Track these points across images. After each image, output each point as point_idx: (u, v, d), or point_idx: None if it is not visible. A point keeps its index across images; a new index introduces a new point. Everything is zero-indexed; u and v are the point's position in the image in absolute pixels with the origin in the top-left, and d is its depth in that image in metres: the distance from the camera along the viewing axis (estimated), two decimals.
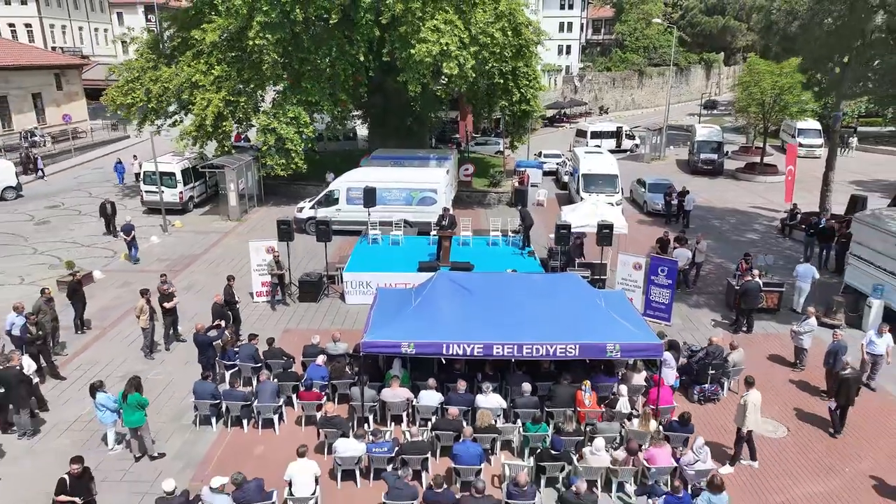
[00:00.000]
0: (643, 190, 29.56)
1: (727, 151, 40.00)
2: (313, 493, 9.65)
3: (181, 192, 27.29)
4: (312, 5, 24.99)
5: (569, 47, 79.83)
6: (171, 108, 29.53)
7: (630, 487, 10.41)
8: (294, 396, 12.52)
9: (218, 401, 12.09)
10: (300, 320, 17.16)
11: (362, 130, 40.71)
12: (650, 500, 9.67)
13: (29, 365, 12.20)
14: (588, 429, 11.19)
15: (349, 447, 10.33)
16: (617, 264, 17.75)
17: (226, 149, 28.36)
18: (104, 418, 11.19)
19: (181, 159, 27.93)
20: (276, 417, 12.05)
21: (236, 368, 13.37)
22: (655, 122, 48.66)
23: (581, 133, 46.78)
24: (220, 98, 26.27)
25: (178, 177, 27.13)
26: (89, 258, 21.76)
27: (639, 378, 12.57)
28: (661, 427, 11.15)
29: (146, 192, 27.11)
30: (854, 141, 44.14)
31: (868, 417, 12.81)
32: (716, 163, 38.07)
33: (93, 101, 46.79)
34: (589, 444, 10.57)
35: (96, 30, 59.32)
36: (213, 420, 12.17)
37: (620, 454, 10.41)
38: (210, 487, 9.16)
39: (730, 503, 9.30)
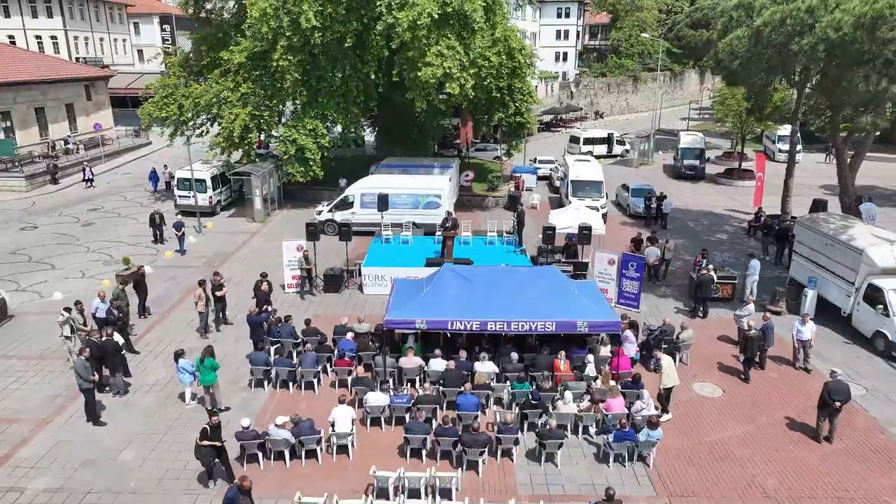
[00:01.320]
0: (626, 194, 32.67)
1: (708, 157, 43.06)
2: (351, 431, 12.74)
3: (210, 197, 30.36)
4: (330, 30, 28.03)
5: (565, 54, 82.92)
6: (199, 120, 32.55)
7: (592, 430, 13.49)
8: (329, 365, 15.62)
9: (269, 367, 15.20)
10: (325, 307, 20.24)
11: (369, 136, 43.73)
12: (606, 437, 12.77)
13: (119, 339, 15.28)
14: (561, 388, 14.24)
15: (377, 398, 13.44)
16: (594, 260, 20.83)
17: (251, 158, 31.43)
18: (184, 379, 14.29)
19: (210, 167, 31.00)
20: (315, 381, 15.16)
21: (279, 343, 16.46)
22: (644, 129, 51.64)
23: (574, 139, 49.75)
24: (246, 113, 29.33)
25: (209, 183, 30.19)
26: (136, 255, 24.75)
27: (605, 350, 15.67)
28: (618, 385, 14.22)
29: (179, 196, 30.24)
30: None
31: (788, 383, 15.91)
32: (698, 168, 41.12)
33: (116, 109, 49.94)
34: (561, 397, 13.65)
35: (115, 40, 62.39)
36: (265, 383, 15.29)
37: (585, 404, 13.52)
38: (275, 424, 12.28)
39: (662, 437, 12.47)
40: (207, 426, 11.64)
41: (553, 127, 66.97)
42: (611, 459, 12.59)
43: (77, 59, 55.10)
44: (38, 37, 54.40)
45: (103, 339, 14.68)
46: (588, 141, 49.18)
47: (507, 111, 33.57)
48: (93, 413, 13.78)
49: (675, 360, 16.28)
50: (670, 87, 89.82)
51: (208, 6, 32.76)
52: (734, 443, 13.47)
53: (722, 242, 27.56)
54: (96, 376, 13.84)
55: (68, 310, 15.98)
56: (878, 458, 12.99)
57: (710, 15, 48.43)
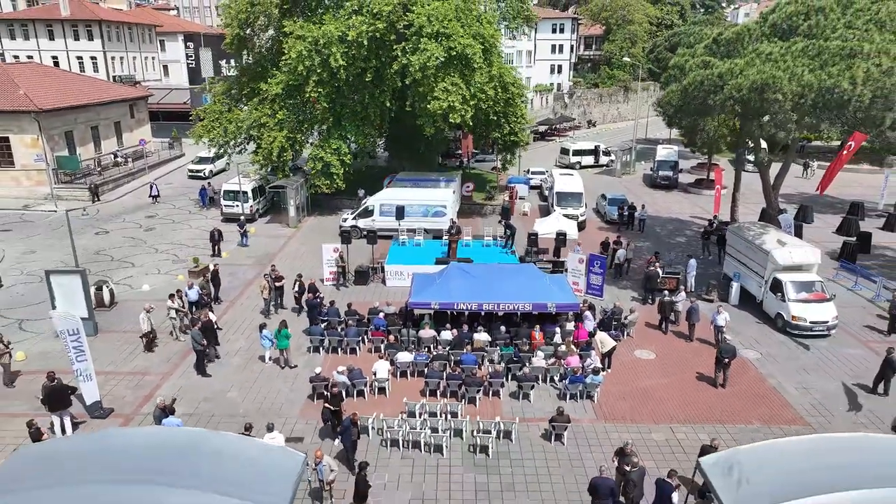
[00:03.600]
0: (604, 203, 38.22)
1: (681, 168, 48.56)
2: (387, 378, 18.30)
3: (251, 206, 35.94)
4: (353, 67, 33.56)
5: (560, 66, 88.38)
6: (239, 139, 38.06)
7: (556, 378, 19.03)
8: (367, 335, 21.18)
9: (323, 337, 20.78)
10: (357, 296, 25.68)
11: (381, 150, 49.28)
12: (565, 382, 18.32)
13: (213, 317, 20.86)
14: (536, 351, 19.78)
15: (404, 357, 19.03)
16: (568, 259, 26.37)
17: (286, 173, 37.03)
18: (265, 344, 19.86)
19: (250, 180, 36.58)
20: (357, 347, 20.74)
21: (328, 321, 22.00)
22: (627, 142, 56.90)
23: (564, 151, 55.27)
24: (282, 136, 34.89)
25: (249, 194, 35.77)
26: (199, 256, 30.31)
27: (570, 325, 21.21)
28: (576, 348, 19.77)
29: (225, 205, 35.84)
30: (814, 164, 51.58)
31: (706, 352, 21.43)
32: (671, 179, 46.67)
33: (151, 123, 55.44)
34: (535, 356, 19.22)
35: (146, 58, 68.03)
36: (320, 349, 20.86)
37: (551, 361, 19.11)
38: (337, 371, 17.84)
39: (603, 382, 18.10)
40: (329, 393, 16.79)
41: (547, 136, 72.20)
42: (567, 397, 18.15)
43: (114, 77, 60.74)
44: (79, 57, 60.10)
45: (201, 322, 20.18)
46: (577, 152, 54.68)
47: (503, 131, 39.20)
48: (202, 367, 19.36)
49: (623, 335, 22.02)
50: (659, 96, 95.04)
51: (249, 45, 38.23)
52: (657, 388, 19.04)
53: (680, 244, 33.10)
54: (205, 342, 19.43)
55: (172, 297, 21.59)
56: (756, 399, 18.54)
57: (683, 41, 54.20)
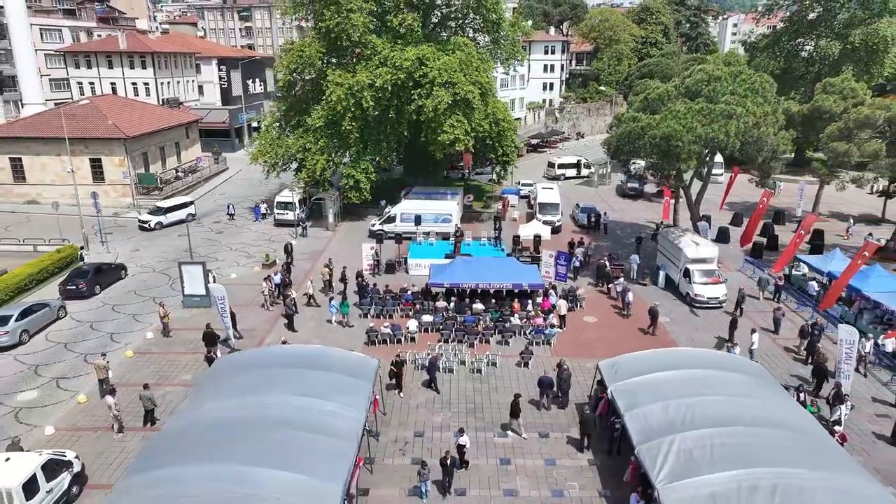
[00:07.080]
0: (578, 211, 47.80)
1: (646, 181, 58.01)
2: (416, 331, 27.88)
3: (297, 213, 45.50)
4: (379, 105, 43.18)
5: (551, 84, 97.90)
6: (286, 161, 47.69)
7: (527, 331, 28.56)
8: (400, 306, 30.76)
9: (370, 307, 30.37)
10: (389, 281, 35.18)
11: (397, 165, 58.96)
12: (532, 333, 27.92)
13: (294, 293, 30.48)
14: (514, 315, 29.34)
15: (427, 318, 28.68)
16: (542, 255, 35.98)
17: (325, 188, 46.69)
18: (332, 310, 29.44)
19: (296, 193, 46.17)
20: (394, 313, 30.34)
21: (371, 297, 31.53)
22: (603, 155, 66.24)
23: (551, 164, 64.72)
24: (324, 159, 44.48)
25: (296, 204, 45.36)
26: (263, 252, 39.80)
27: (538, 299, 30.78)
28: (541, 313, 29.33)
29: (278, 213, 45.50)
30: (781, 184, 58.55)
31: (634, 318, 31.00)
32: (638, 189, 56.21)
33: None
34: (513, 317, 28.82)
35: (187, 81, 77.68)
36: (368, 315, 30.44)
37: (524, 320, 28.72)
38: (383, 326, 27.46)
39: (558, 334, 27.79)
40: (396, 358, 25.75)
41: (539, 149, 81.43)
42: (533, 343, 27.72)
43: (162, 100, 70.41)
44: (133, 83, 69.78)
45: (287, 299, 29.79)
46: (561, 166, 64.16)
47: (497, 153, 48.88)
48: (291, 325, 28.96)
49: (576, 306, 31.64)
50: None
51: (296, 86, 47.99)
52: (594, 339, 28.63)
53: (632, 244, 42.61)
54: (295, 309, 29.05)
55: (265, 280, 31.22)
56: (658, 346, 28.04)
57: (654, 70, 63.79)
